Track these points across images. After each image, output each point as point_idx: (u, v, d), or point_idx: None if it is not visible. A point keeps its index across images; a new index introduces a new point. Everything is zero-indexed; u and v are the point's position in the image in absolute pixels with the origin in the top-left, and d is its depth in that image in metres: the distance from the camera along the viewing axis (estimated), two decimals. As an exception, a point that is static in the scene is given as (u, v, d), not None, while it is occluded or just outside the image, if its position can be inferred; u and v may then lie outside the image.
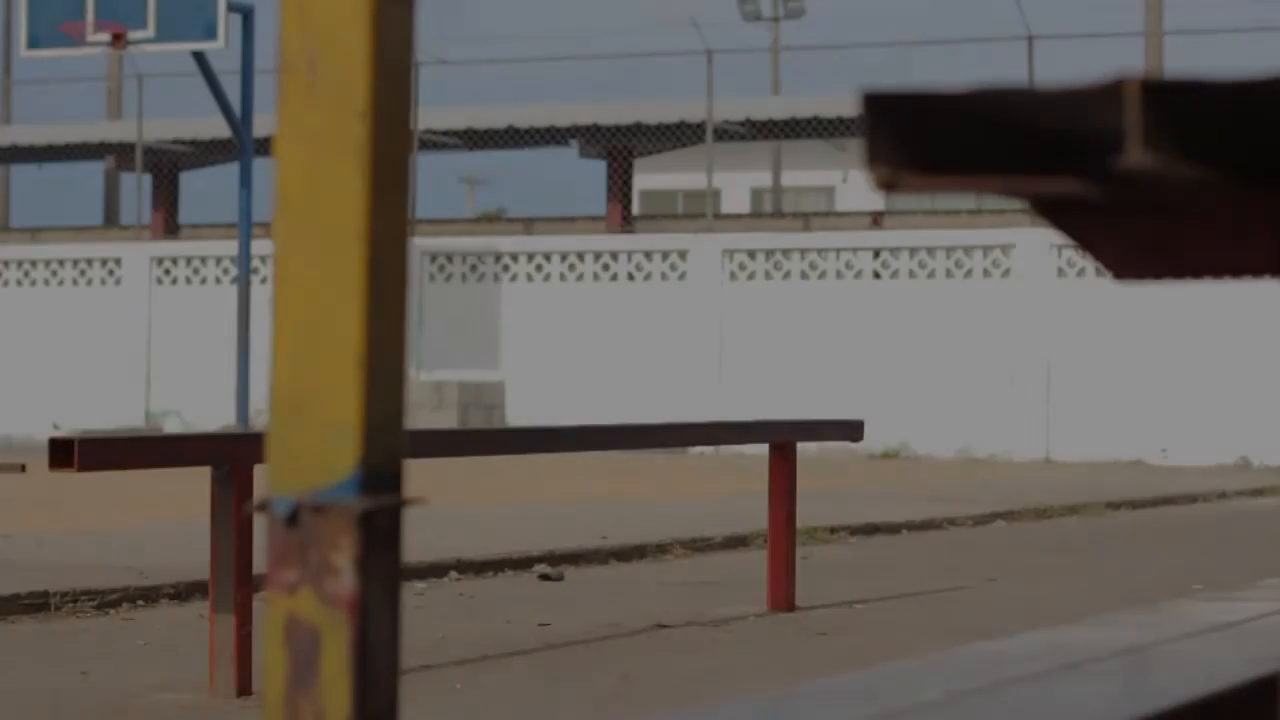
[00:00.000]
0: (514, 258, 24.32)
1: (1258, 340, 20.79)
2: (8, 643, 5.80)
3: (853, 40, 65.38)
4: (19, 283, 26.56)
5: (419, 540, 8.07)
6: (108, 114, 35.38)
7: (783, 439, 6.93)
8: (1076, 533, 11.11)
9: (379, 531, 1.67)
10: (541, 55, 76.14)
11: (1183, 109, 1.35)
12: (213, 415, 24.63)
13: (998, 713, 1.91)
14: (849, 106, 24.79)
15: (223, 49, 19.19)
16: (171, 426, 24.93)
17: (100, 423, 24.93)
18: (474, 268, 24.49)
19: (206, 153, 28.72)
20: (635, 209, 30.25)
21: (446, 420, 23.09)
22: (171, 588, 6.89)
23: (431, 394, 23.29)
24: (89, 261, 26.20)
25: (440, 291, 24.51)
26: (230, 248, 24.24)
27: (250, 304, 20.18)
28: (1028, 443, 21.83)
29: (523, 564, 8.20)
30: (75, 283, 26.19)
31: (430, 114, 26.44)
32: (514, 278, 24.27)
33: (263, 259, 24.30)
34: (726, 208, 43.21)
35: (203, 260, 25.67)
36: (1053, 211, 1.57)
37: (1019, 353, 21.90)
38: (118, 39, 19.16)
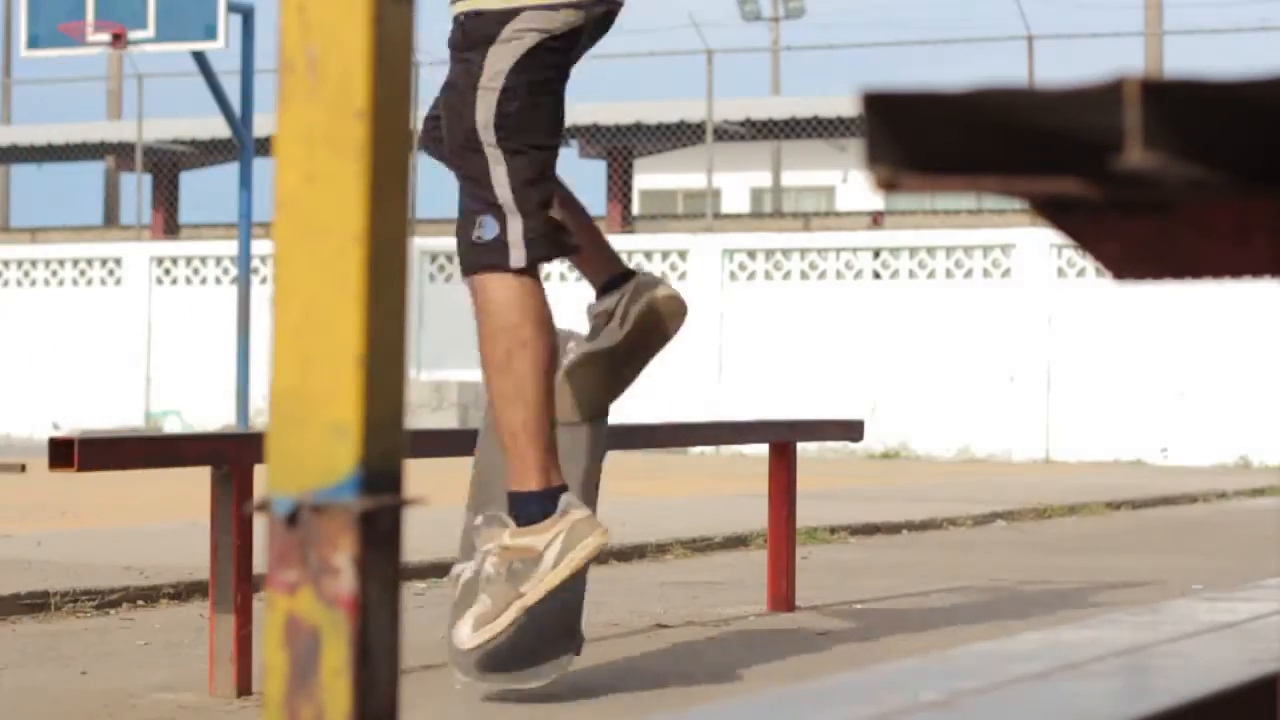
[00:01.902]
0: (514, 258, 24.29)
1: (1258, 340, 20.79)
2: (8, 643, 5.80)
3: (853, 40, 65.41)
4: (19, 283, 26.57)
5: (419, 540, 8.07)
6: (108, 114, 35.40)
7: (783, 439, 6.93)
8: (1076, 533, 11.11)
9: (379, 531, 1.67)
10: (541, 55, 75.82)
11: (1183, 109, 1.35)
12: (213, 415, 24.63)
13: (998, 713, 1.91)
14: (849, 106, 24.77)
15: (223, 49, 19.20)
16: (171, 426, 24.93)
17: (100, 423, 24.93)
18: (474, 268, 24.47)
19: (206, 153, 28.73)
20: (635, 209, 30.24)
21: (446, 420, 23.09)
22: (171, 588, 6.89)
23: (431, 394, 23.28)
24: (89, 261, 26.20)
25: (440, 291, 24.50)
26: (230, 248, 24.25)
27: (250, 304, 20.18)
28: (1028, 443, 21.83)
29: (523, 564, 8.20)
30: (75, 283, 26.19)
31: (430, 114, 26.42)
32: (514, 278, 24.25)
33: (263, 259, 24.30)
34: (726, 208, 43.21)
35: (203, 260, 25.68)
36: (1053, 211, 1.57)
37: (1019, 353, 21.90)
38: (118, 39, 19.16)
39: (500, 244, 4.56)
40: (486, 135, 4.61)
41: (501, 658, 4.63)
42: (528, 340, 4.51)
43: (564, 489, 4.57)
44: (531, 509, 4.53)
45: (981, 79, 1.43)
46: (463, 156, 4.66)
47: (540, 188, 4.61)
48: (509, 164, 4.59)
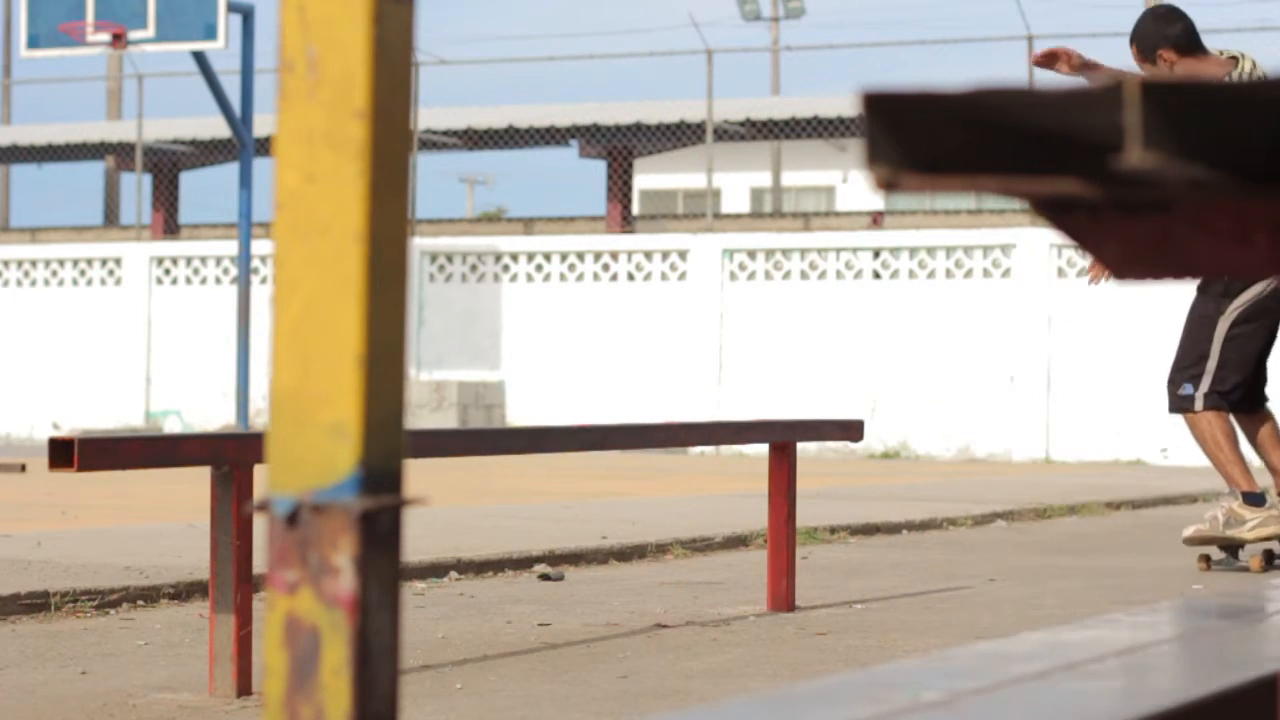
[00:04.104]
0: (514, 258, 24.32)
1: (1258, 340, 20.77)
2: (8, 643, 5.80)
3: (853, 40, 65.41)
4: (19, 283, 26.57)
5: (419, 540, 8.07)
6: (108, 114, 35.39)
7: (783, 439, 6.93)
8: (1076, 533, 11.11)
9: (379, 531, 1.67)
10: (541, 55, 76.07)
11: (1183, 109, 1.36)
12: (213, 415, 24.63)
13: (998, 713, 1.91)
14: (849, 106, 24.77)
15: (223, 49, 19.21)
16: (171, 426, 24.93)
17: (100, 423, 24.93)
18: (474, 268, 24.50)
19: (206, 153, 28.73)
20: (635, 209, 30.27)
21: (446, 420, 23.09)
22: (171, 588, 6.89)
23: (431, 394, 23.29)
24: (89, 261, 26.20)
25: (440, 291, 24.51)
26: (230, 248, 24.25)
27: (250, 304, 20.19)
28: (1028, 443, 21.83)
29: (523, 564, 8.20)
30: (75, 283, 26.19)
31: (430, 114, 26.44)
32: (514, 278, 24.28)
33: (263, 259, 24.31)
34: (726, 208, 43.22)
35: (203, 260, 25.68)
36: (1053, 211, 1.57)
37: (1019, 353, 21.90)
38: (118, 39, 19.17)
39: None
40: None
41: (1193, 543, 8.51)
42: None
43: (1264, 495, 8.44)
44: (1251, 499, 8.43)
45: (981, 79, 1.43)
46: None
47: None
48: None
